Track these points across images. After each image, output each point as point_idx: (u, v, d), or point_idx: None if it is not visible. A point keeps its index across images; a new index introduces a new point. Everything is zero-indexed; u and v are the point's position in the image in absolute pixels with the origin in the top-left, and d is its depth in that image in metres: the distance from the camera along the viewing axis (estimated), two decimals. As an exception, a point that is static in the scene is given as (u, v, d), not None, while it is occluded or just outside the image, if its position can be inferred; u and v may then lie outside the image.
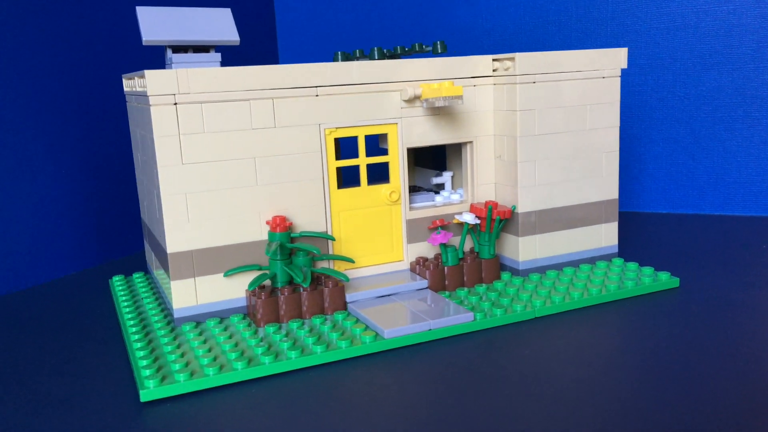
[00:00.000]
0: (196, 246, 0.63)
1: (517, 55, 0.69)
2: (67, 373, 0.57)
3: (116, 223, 0.93)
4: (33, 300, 0.77)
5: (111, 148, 0.91)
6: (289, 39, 1.27)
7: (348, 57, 0.79)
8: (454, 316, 0.61)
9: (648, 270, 0.72)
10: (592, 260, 0.76)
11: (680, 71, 1.01)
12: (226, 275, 0.64)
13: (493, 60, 0.72)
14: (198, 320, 0.64)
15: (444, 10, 1.15)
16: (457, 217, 0.71)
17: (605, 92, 0.74)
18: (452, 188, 0.78)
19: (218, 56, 0.63)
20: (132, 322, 0.64)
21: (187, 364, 0.54)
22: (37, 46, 0.83)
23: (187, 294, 0.64)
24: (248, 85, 0.63)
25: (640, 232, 0.94)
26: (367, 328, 0.60)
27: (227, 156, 0.63)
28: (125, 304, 0.70)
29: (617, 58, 0.74)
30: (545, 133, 0.71)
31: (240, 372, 0.54)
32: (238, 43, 0.65)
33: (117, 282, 0.78)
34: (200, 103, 0.61)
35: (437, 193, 0.77)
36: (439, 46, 0.77)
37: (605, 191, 0.76)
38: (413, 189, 0.79)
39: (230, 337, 0.60)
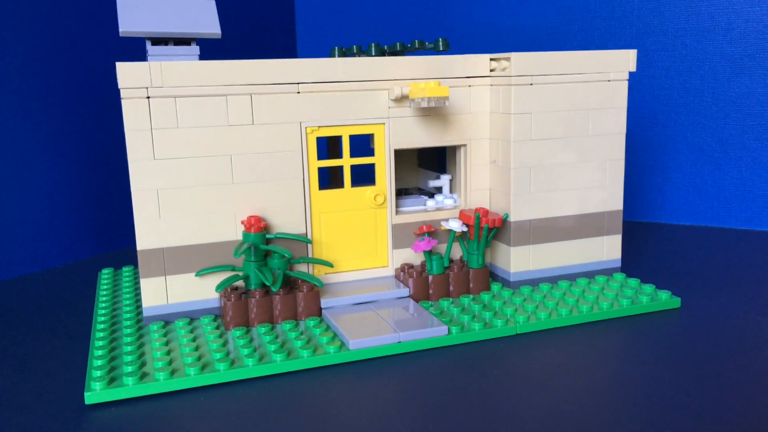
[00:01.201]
0: (168, 244, 0.62)
1: (513, 55, 0.65)
2: (25, 368, 0.56)
3: (114, 215, 0.92)
4: (19, 289, 0.77)
5: (111, 139, 0.91)
6: (308, 31, 1.24)
7: (345, 53, 0.76)
8: (427, 329, 0.58)
9: (648, 288, 0.67)
10: (591, 275, 0.72)
11: (709, 75, 0.95)
12: (197, 275, 0.62)
13: (491, 59, 0.69)
14: (168, 320, 0.63)
15: (464, 5, 1.11)
16: (443, 223, 0.67)
17: (611, 96, 0.69)
18: (450, 192, 0.75)
19: (197, 49, 0.61)
20: (102, 319, 0.63)
21: (140, 367, 0.53)
22: (37, 35, 0.82)
23: (158, 293, 0.62)
24: (225, 79, 0.61)
25: (654, 245, 0.89)
26: (335, 337, 0.58)
27: (202, 153, 0.61)
28: (104, 298, 0.69)
29: (625, 60, 0.69)
30: (542, 138, 0.67)
31: (192, 378, 0.52)
32: (219, 37, 0.63)
33: (104, 275, 0.77)
34: (174, 98, 0.60)
35: (432, 197, 0.74)
36: (441, 44, 0.74)
37: (608, 201, 0.71)
38: (405, 192, 0.76)
39: (194, 339, 0.58)
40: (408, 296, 0.66)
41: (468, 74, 0.68)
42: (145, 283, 0.62)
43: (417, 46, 0.75)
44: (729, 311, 0.64)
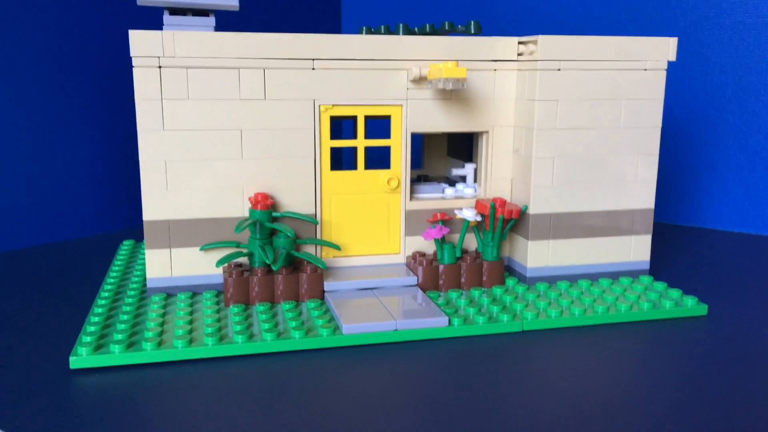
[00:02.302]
0: (174, 216, 0.61)
1: (541, 38, 0.62)
2: (21, 331, 0.56)
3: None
4: (44, 256, 0.78)
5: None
6: (353, 8, 1.23)
7: (372, 33, 0.74)
8: (426, 319, 0.55)
9: (675, 293, 0.63)
10: (614, 275, 0.68)
11: (767, 73, 0.89)
12: (202, 249, 0.62)
13: (519, 43, 0.65)
14: (171, 293, 0.62)
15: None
16: (456, 212, 0.64)
17: (646, 87, 0.65)
18: (474, 182, 0.72)
19: (212, 20, 0.60)
20: (108, 287, 0.63)
21: (129, 336, 0.52)
22: (70, 8, 0.83)
23: (162, 265, 0.62)
24: (238, 52, 0.60)
25: (694, 251, 0.84)
26: (331, 320, 0.56)
27: (212, 125, 0.60)
28: (116, 269, 0.69)
29: (664, 48, 0.65)
30: (568, 128, 0.64)
31: (179, 351, 0.51)
32: (236, 9, 0.62)
33: (124, 246, 0.78)
34: (186, 68, 0.59)
35: (452, 185, 0.72)
36: (472, 27, 0.71)
37: (638, 199, 0.67)
38: (425, 178, 0.74)
39: (190, 313, 0.57)
40: (416, 285, 0.63)
41: (493, 57, 0.65)
42: (149, 255, 0.61)
43: (447, 28, 0.72)
44: (760, 324, 0.59)
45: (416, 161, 0.91)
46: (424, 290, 0.63)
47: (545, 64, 0.62)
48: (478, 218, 0.64)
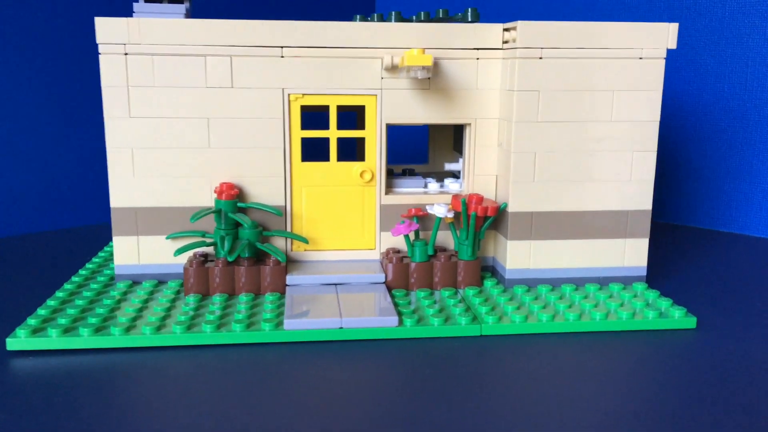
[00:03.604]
0: (141, 204, 0.61)
1: (520, 24, 0.58)
2: (-12, 311, 0.58)
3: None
4: (46, 242, 0.81)
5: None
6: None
7: (366, 20, 0.72)
8: (373, 318, 0.53)
9: (664, 302, 0.57)
10: (606, 281, 0.63)
11: (813, 66, 0.80)
12: (168, 238, 0.61)
13: (504, 30, 0.61)
14: (138, 280, 0.62)
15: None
16: (428, 208, 0.61)
17: (641, 77, 0.60)
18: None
19: (182, 8, 0.60)
20: (82, 274, 0.64)
21: (73, 321, 0.52)
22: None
23: (129, 252, 0.62)
24: (204, 39, 0.59)
25: (727, 259, 0.77)
26: (280, 314, 0.54)
27: (178, 113, 0.60)
28: (97, 259, 0.70)
29: (661, 35, 0.59)
30: (551, 121, 0.60)
31: (116, 338, 0.50)
32: (210, -4, 0.61)
33: (122, 234, 0.79)
34: (152, 55, 0.59)
35: (440, 180, 0.68)
36: (469, 14, 0.67)
37: (633, 199, 0.62)
38: (410, 172, 0.71)
39: (145, 301, 0.57)
40: (383, 282, 0.61)
41: (476, 45, 0.62)
42: (117, 242, 0.62)
43: (441, 16, 0.69)
44: (749, 342, 0.53)
45: (422, 155, 0.88)
46: (392, 288, 0.60)
47: (525, 51, 0.58)
48: (449, 215, 0.60)
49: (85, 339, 0.50)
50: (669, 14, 0.90)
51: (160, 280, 0.62)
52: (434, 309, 0.55)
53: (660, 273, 0.70)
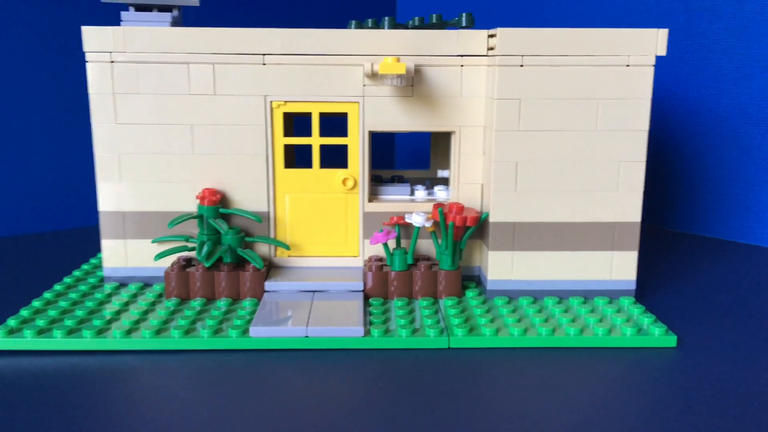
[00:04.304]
0: (128, 208, 0.62)
1: (500, 31, 0.57)
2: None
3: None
4: (46, 242, 0.83)
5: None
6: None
7: (361, 26, 0.72)
8: (339, 327, 0.52)
9: (647, 319, 0.55)
10: (590, 294, 0.61)
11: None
12: (154, 242, 0.63)
13: (489, 36, 0.60)
14: (125, 282, 0.64)
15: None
16: (406, 217, 0.61)
17: (628, 85, 0.58)
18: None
19: (168, 16, 0.61)
20: (76, 275, 0.66)
21: (50, 322, 0.54)
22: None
23: (117, 255, 0.63)
24: (187, 47, 0.60)
25: (731, 271, 0.74)
26: (250, 321, 0.55)
27: (163, 120, 0.61)
28: (94, 260, 0.72)
29: (650, 42, 0.57)
30: (533, 130, 0.58)
31: (87, 341, 0.52)
32: (197, 4, 0.62)
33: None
34: (137, 63, 0.60)
35: (435, 187, 0.68)
36: (464, 20, 0.67)
37: (621, 211, 0.60)
38: (399, 179, 0.70)
39: (125, 304, 0.58)
40: (362, 291, 0.61)
41: (460, 52, 0.61)
42: (105, 245, 0.63)
43: (435, 21, 0.68)
44: (730, 365, 0.50)
45: (424, 161, 0.87)
46: (371, 297, 0.60)
47: (505, 59, 0.57)
48: (427, 224, 0.60)
49: (57, 341, 0.52)
50: (686, 16, 0.87)
51: (147, 283, 0.64)
52: (405, 320, 0.55)
53: (660, 285, 0.68)
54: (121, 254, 0.63)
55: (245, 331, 0.53)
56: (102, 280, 0.65)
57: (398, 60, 0.56)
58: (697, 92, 0.87)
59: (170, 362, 0.50)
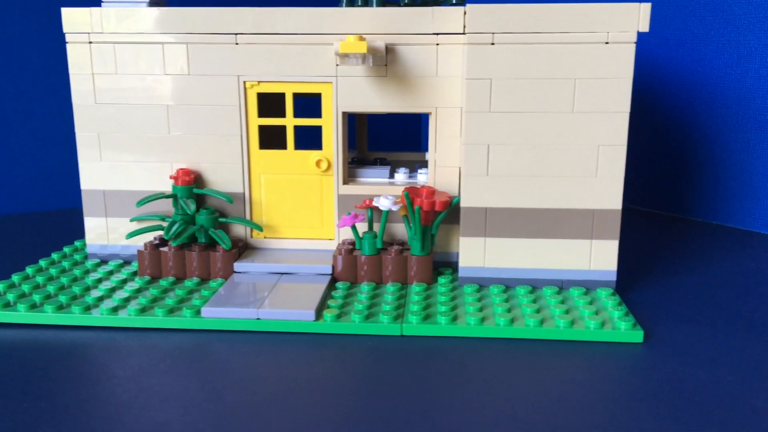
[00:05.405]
0: (108, 187, 0.64)
1: (469, 7, 0.54)
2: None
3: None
4: (44, 220, 0.86)
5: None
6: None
7: (352, 4, 0.70)
8: (290, 310, 0.52)
9: (618, 312, 0.52)
10: (566, 284, 0.58)
11: None
12: (132, 220, 0.64)
13: (465, 13, 0.58)
14: (107, 260, 0.65)
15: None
16: (374, 201, 0.59)
17: (608, 63, 0.54)
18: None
19: (146, -4, 0.61)
20: (66, 251, 0.68)
21: (20, 297, 0.56)
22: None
23: (99, 233, 0.65)
24: (161, 27, 0.60)
25: (740, 262, 0.69)
26: (207, 301, 0.55)
27: (139, 100, 0.62)
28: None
29: (631, 17, 0.53)
30: (506, 111, 0.56)
31: (48, 315, 0.53)
32: (175, -16, 0.62)
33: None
34: (113, 44, 0.61)
35: (414, 172, 0.66)
36: (454, -3, 0.64)
37: (600, 198, 0.57)
38: (381, 161, 0.68)
39: (99, 281, 0.59)
40: (330, 274, 0.60)
41: (435, 30, 0.59)
42: (88, 222, 0.65)
43: (424, -1, 0.66)
44: (694, 364, 0.47)
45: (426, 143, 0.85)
46: (339, 280, 0.59)
47: (475, 37, 0.55)
48: (394, 207, 0.58)
49: (21, 315, 0.53)
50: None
51: (128, 261, 0.65)
52: (363, 305, 0.54)
53: (657, 277, 0.64)
54: (103, 232, 0.65)
55: (199, 312, 0.53)
56: (87, 257, 0.66)
57: (361, 38, 0.54)
58: (721, 70, 0.81)
59: (122, 340, 0.51)
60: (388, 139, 0.92)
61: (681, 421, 0.39)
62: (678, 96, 0.85)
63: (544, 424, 0.39)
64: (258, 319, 0.52)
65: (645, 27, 0.53)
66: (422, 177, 0.64)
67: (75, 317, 0.53)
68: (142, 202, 0.61)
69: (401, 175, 0.64)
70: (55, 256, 0.66)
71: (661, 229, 0.84)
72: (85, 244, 0.71)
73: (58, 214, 0.89)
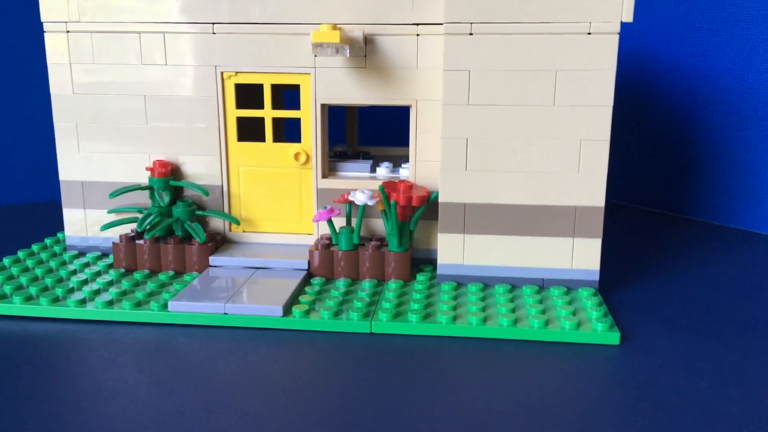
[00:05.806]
0: (86, 178, 0.63)
1: (447, -4, 0.53)
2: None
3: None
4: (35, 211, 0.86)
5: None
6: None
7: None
8: (258, 306, 0.51)
9: (597, 313, 0.50)
10: (547, 283, 0.56)
11: None
12: (109, 212, 0.63)
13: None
14: (86, 251, 0.64)
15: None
16: (351, 194, 0.58)
17: (590, 55, 0.52)
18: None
19: (124, -15, 0.60)
20: (47, 242, 0.67)
21: (-10, 287, 0.55)
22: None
23: (78, 225, 0.64)
24: (138, 16, 0.59)
25: (736, 264, 0.67)
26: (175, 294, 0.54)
27: (116, 90, 0.61)
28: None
29: (613, 7, 0.51)
30: (485, 104, 0.54)
31: (16, 307, 0.52)
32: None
33: (120, 206, 0.82)
34: (90, 33, 0.60)
35: (397, 166, 0.65)
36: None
37: (583, 194, 0.55)
38: (364, 155, 0.67)
39: (73, 272, 0.59)
40: (306, 270, 0.58)
41: (415, 21, 0.57)
42: (66, 213, 0.64)
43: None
44: (671, 371, 0.45)
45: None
46: (314, 276, 0.58)
47: (453, 27, 0.53)
48: (370, 202, 0.57)
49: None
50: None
51: (106, 253, 0.64)
52: (333, 302, 0.52)
53: (649, 278, 0.62)
54: (82, 224, 0.64)
55: (166, 305, 0.52)
56: (66, 249, 0.66)
57: (335, 28, 0.53)
58: (724, 65, 0.79)
59: (87, 333, 0.50)
60: (382, 133, 0.90)
61: (648, 430, 0.38)
62: (678, 91, 0.83)
63: (506, 428, 0.38)
64: (225, 314, 0.51)
65: (629, 17, 0.51)
66: (404, 172, 0.62)
67: (42, 309, 0.52)
68: (115, 194, 0.60)
69: (383, 170, 0.63)
70: (35, 247, 0.66)
71: (659, 229, 0.81)
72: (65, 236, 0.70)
73: (49, 206, 0.89)
